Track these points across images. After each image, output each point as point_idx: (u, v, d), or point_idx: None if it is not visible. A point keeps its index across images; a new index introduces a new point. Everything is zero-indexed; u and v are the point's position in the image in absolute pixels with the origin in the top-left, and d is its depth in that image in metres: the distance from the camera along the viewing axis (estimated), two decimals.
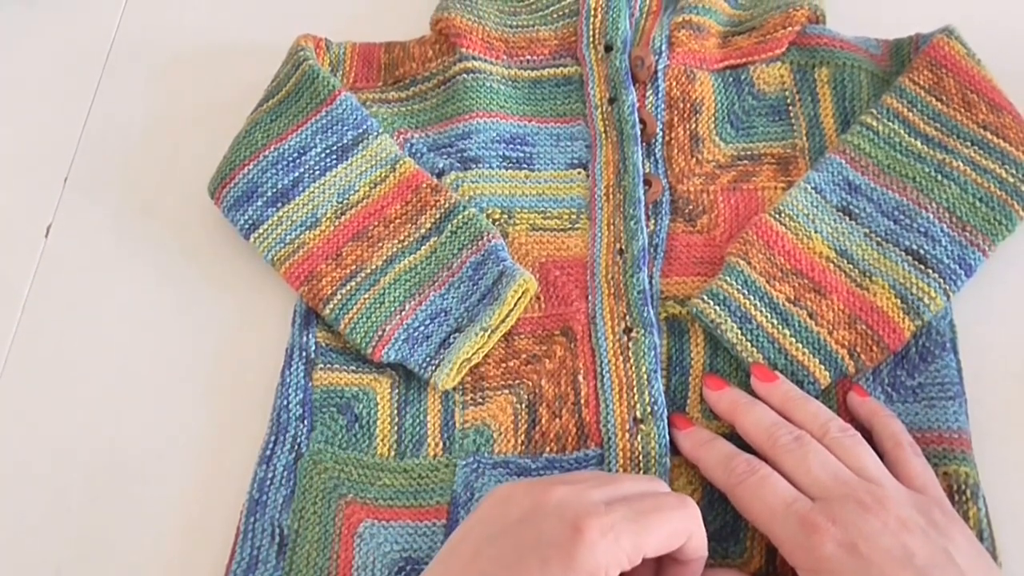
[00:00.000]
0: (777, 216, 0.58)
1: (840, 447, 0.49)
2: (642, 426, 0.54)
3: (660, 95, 0.64)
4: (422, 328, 0.58)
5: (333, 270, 0.59)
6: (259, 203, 0.61)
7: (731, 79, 0.64)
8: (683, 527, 0.44)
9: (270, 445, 0.56)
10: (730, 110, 0.63)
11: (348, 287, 0.59)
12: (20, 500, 0.59)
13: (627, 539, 0.41)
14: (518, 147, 0.64)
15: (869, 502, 0.45)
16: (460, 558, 0.44)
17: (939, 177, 0.57)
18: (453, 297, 0.58)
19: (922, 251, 0.55)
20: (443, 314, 0.58)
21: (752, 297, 0.56)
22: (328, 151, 0.62)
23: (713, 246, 0.60)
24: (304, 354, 0.59)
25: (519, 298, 0.57)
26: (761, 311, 0.55)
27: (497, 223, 0.61)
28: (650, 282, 0.58)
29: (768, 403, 0.52)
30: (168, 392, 0.61)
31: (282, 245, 0.61)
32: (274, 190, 0.62)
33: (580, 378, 0.56)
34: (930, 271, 0.55)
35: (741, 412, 0.52)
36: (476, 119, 0.64)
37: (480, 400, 0.57)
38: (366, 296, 0.58)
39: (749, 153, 0.62)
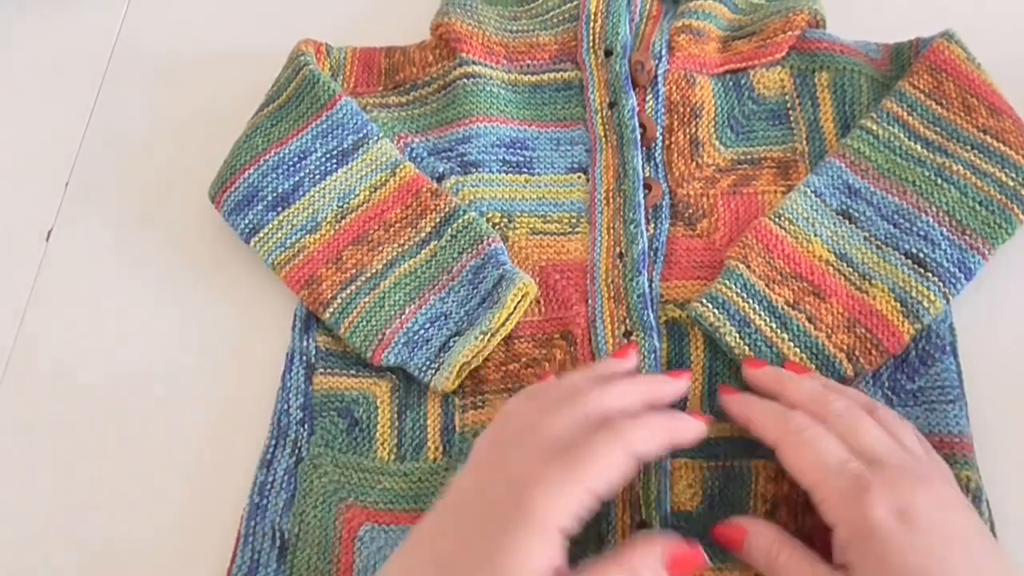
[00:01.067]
0: (777, 220, 0.58)
1: (887, 423, 0.49)
2: None
3: (660, 99, 0.64)
4: (422, 332, 0.58)
5: (333, 274, 0.60)
6: (259, 207, 0.62)
7: (731, 83, 0.64)
8: (618, 453, 0.44)
9: (271, 449, 0.57)
10: (730, 114, 0.64)
11: (348, 291, 0.59)
12: (20, 504, 0.59)
13: (571, 487, 0.42)
14: (518, 151, 0.64)
15: (920, 474, 0.45)
16: (422, 543, 0.46)
17: (939, 181, 0.57)
18: (453, 301, 0.58)
19: (922, 255, 0.55)
20: (443, 318, 0.58)
21: (751, 301, 0.56)
22: (328, 155, 0.63)
23: (713, 250, 0.60)
24: (304, 358, 0.59)
25: (519, 301, 0.58)
26: (760, 315, 0.55)
27: (497, 227, 0.61)
28: (650, 286, 0.58)
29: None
30: (168, 396, 0.61)
31: (282, 249, 0.61)
32: (274, 194, 0.62)
33: None
34: (930, 275, 0.55)
35: (787, 382, 0.51)
36: (476, 123, 0.64)
37: (480, 403, 0.57)
38: (366, 300, 0.59)
39: (749, 157, 0.62)
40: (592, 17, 0.65)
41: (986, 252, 0.55)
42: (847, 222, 0.57)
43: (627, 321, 0.57)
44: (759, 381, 0.53)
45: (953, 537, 0.43)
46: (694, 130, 0.63)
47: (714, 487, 0.53)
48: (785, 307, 0.55)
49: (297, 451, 0.57)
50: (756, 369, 0.53)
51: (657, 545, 0.45)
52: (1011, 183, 0.56)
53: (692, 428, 0.49)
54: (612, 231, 0.60)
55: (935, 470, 0.47)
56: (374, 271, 0.59)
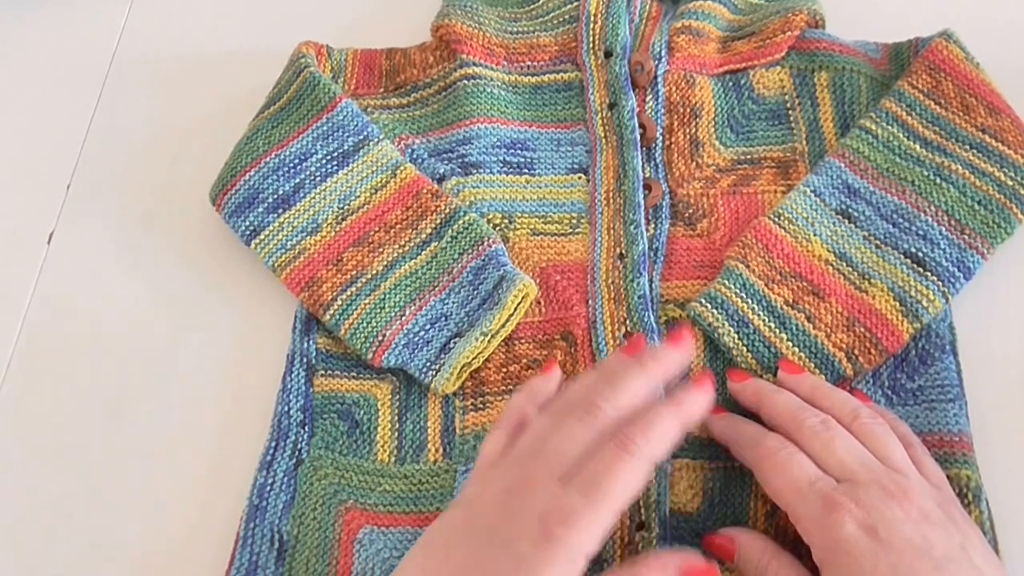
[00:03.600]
0: (776, 219, 0.58)
1: (869, 434, 0.48)
2: None
3: (660, 100, 0.64)
4: (422, 333, 0.58)
5: (334, 276, 0.60)
6: (260, 209, 0.62)
7: (731, 84, 0.64)
8: (635, 469, 0.44)
9: (271, 451, 0.57)
10: (730, 114, 0.64)
11: (348, 292, 0.59)
12: (21, 505, 0.59)
13: (593, 516, 0.42)
14: (519, 152, 0.64)
15: (893, 489, 0.45)
16: (436, 552, 0.45)
17: (938, 180, 0.57)
18: (453, 302, 0.59)
19: (921, 254, 0.55)
20: (443, 319, 0.58)
21: (750, 300, 0.56)
22: (329, 157, 0.63)
23: (713, 250, 0.60)
24: (305, 360, 0.59)
25: (519, 303, 0.58)
26: (759, 315, 0.55)
27: (498, 228, 0.61)
28: (650, 286, 0.58)
29: (796, 393, 0.52)
30: (169, 398, 0.61)
31: (283, 251, 0.61)
32: (275, 196, 0.62)
33: None
34: (929, 274, 0.55)
35: (766, 397, 0.52)
36: (477, 124, 0.64)
37: (481, 405, 0.57)
38: (366, 301, 0.59)
39: (749, 157, 0.62)
40: (592, 18, 0.65)
41: (985, 251, 0.55)
42: (846, 222, 0.57)
43: (627, 322, 0.57)
44: (741, 396, 0.53)
45: (923, 552, 0.43)
46: (694, 130, 0.63)
47: (714, 488, 0.53)
48: (784, 306, 0.55)
49: (297, 453, 0.57)
50: (739, 383, 0.54)
51: (673, 560, 0.45)
52: (1010, 182, 0.56)
53: (700, 405, 0.47)
54: (612, 232, 0.60)
55: (914, 483, 0.46)
56: (374, 272, 0.59)
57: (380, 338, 0.58)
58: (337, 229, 0.61)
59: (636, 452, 0.44)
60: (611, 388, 0.47)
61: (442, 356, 0.57)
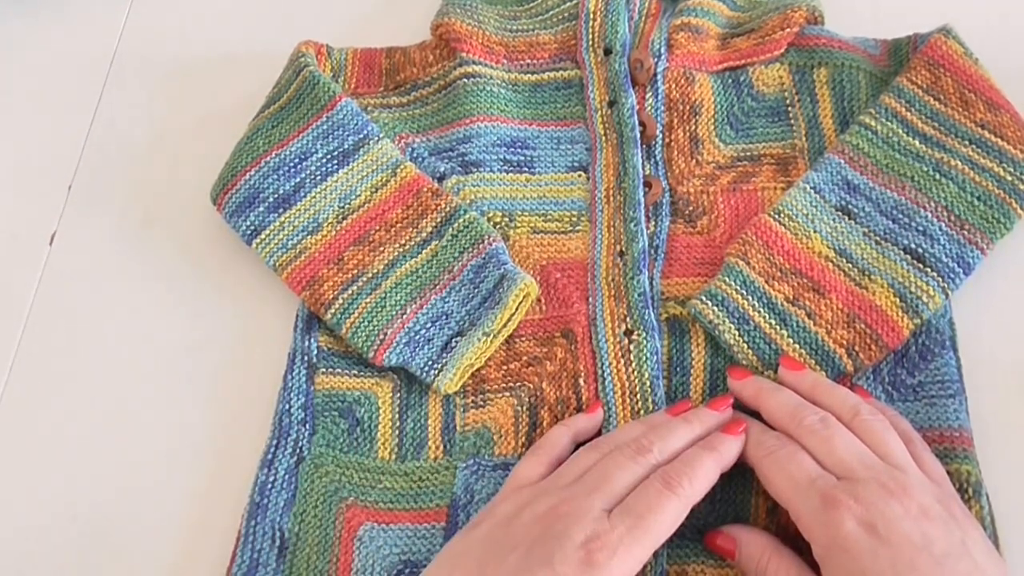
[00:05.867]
0: (776, 216, 0.58)
1: (868, 431, 0.49)
2: None
3: (659, 97, 0.64)
4: (423, 331, 0.58)
5: (335, 274, 0.60)
6: (261, 209, 0.62)
7: (730, 81, 0.64)
8: (678, 509, 0.46)
9: (272, 449, 0.57)
10: (729, 111, 0.64)
11: (350, 291, 0.59)
12: (24, 504, 0.59)
13: (636, 550, 0.44)
14: (519, 150, 0.64)
15: (893, 486, 0.45)
16: (465, 563, 0.46)
17: (937, 176, 0.57)
18: (454, 300, 0.59)
19: (921, 250, 0.55)
20: (444, 317, 0.58)
21: (751, 297, 0.56)
22: (329, 156, 0.63)
23: (713, 247, 0.60)
24: (306, 358, 0.59)
25: (520, 302, 0.58)
26: (759, 311, 0.55)
27: (498, 226, 0.61)
28: (650, 283, 0.59)
29: (797, 390, 0.52)
30: (171, 396, 0.61)
31: (284, 250, 0.61)
32: (276, 196, 0.62)
33: (581, 381, 0.57)
34: (929, 270, 0.55)
35: (766, 396, 0.52)
36: (477, 123, 0.64)
37: (481, 403, 0.57)
38: (367, 300, 0.59)
39: (749, 154, 0.62)
40: (591, 16, 0.65)
41: (984, 247, 0.55)
42: (846, 218, 0.57)
43: (628, 319, 0.57)
44: (740, 394, 0.53)
45: (922, 548, 0.43)
46: (694, 127, 0.63)
47: (715, 486, 0.53)
48: (784, 303, 0.55)
49: (298, 451, 0.57)
50: (739, 381, 0.54)
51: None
52: (1009, 178, 0.56)
53: (735, 450, 0.50)
54: (612, 229, 0.60)
55: (914, 479, 0.46)
56: (375, 271, 0.60)
57: (381, 337, 0.58)
58: (338, 228, 0.61)
59: (680, 493, 0.46)
60: (660, 436, 0.50)
61: (444, 355, 0.57)
